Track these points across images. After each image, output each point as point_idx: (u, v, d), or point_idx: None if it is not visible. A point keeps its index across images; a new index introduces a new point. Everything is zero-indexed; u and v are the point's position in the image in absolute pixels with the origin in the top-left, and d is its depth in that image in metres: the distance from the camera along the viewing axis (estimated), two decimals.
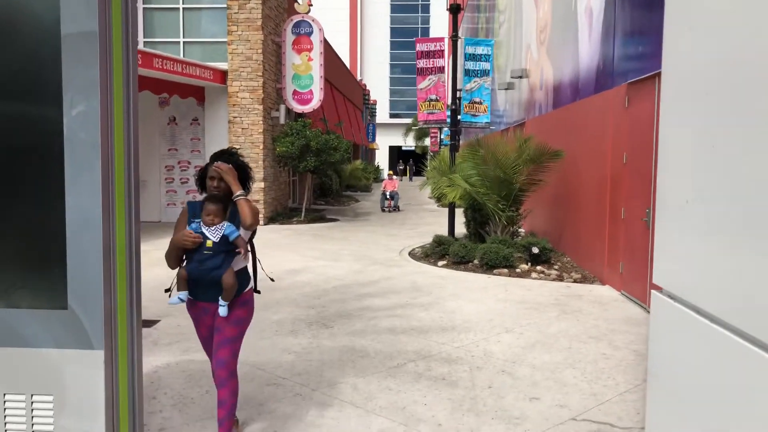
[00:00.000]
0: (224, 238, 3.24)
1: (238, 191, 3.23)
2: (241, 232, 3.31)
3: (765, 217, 1.10)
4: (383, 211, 19.22)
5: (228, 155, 3.42)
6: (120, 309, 2.78)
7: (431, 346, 5.34)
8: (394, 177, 21.91)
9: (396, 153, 59.88)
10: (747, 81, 1.17)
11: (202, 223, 3.25)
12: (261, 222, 14.46)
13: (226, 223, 3.26)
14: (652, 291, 1.55)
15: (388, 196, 19.60)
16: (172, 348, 5.35)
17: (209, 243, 3.21)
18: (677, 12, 1.50)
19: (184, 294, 3.33)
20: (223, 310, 3.29)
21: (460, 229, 11.64)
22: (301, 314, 6.43)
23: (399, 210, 19.63)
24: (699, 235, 1.32)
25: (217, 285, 3.27)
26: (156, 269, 8.91)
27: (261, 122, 14.48)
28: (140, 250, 2.89)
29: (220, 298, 3.28)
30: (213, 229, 3.24)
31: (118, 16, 2.75)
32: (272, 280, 4.51)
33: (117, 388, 2.68)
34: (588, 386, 4.41)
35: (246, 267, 3.52)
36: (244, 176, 3.42)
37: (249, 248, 3.46)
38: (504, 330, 5.86)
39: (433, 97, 11.36)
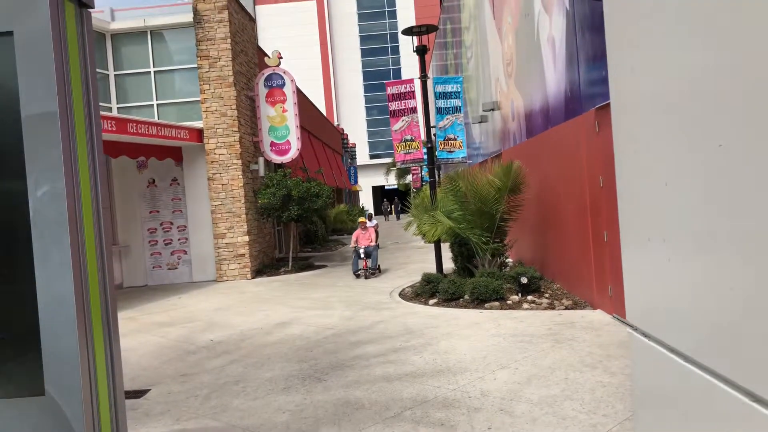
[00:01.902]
0: None
1: None
2: None
3: (724, 252, 1.09)
4: (357, 276, 13.30)
5: None
6: (101, 388, 2.70)
7: (427, 391, 5.26)
8: (370, 224, 15.59)
9: (380, 192, 60.18)
10: (690, 120, 1.18)
11: None
12: (248, 276, 14.36)
13: None
14: (628, 330, 1.53)
15: (362, 255, 13.32)
16: (164, 418, 5.21)
17: None
18: (619, 54, 1.53)
19: None
20: None
21: (449, 264, 11.62)
22: (293, 369, 6.32)
23: (380, 272, 13.71)
24: (663, 273, 1.31)
25: None
26: (145, 335, 8.78)
27: (240, 176, 14.50)
28: (117, 324, 2.83)
29: None
30: None
31: (78, 94, 2.75)
32: None
33: None
34: (587, 417, 4.34)
35: None
36: None
37: None
38: (499, 366, 5.78)
39: (408, 137, 11.47)
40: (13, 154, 2.58)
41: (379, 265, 13.77)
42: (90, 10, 2.79)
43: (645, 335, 1.43)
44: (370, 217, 18.35)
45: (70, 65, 2.74)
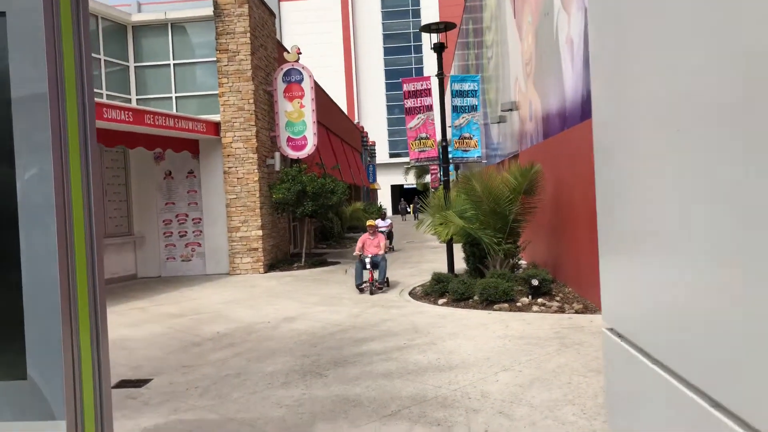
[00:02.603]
0: None
1: None
2: None
3: (690, 256, 1.03)
4: (360, 291, 10.94)
5: None
6: (85, 375, 2.67)
7: (427, 390, 5.18)
8: (382, 224, 16.28)
9: (398, 191, 60.14)
10: (663, 131, 1.12)
11: None
12: (261, 270, 14.39)
13: None
14: (603, 329, 1.47)
15: (368, 266, 10.92)
16: (162, 408, 5.20)
17: None
18: (600, 65, 1.47)
19: None
20: None
21: (462, 264, 11.52)
22: (295, 364, 6.29)
23: (388, 286, 11.38)
24: (634, 275, 1.25)
25: None
26: (153, 326, 8.82)
27: (256, 171, 14.53)
28: (106, 312, 2.79)
29: None
30: None
31: (71, 78, 2.72)
32: None
33: None
34: (588, 423, 4.24)
35: None
36: None
37: None
38: (502, 368, 5.69)
39: (423, 135, 11.39)
40: (3, 137, 2.57)
41: (387, 278, 11.35)
42: None
43: (618, 335, 1.36)
44: (383, 216, 17.73)
45: (63, 47, 2.71)
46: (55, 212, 2.58)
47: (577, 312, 8.11)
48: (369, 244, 11.39)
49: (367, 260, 10.94)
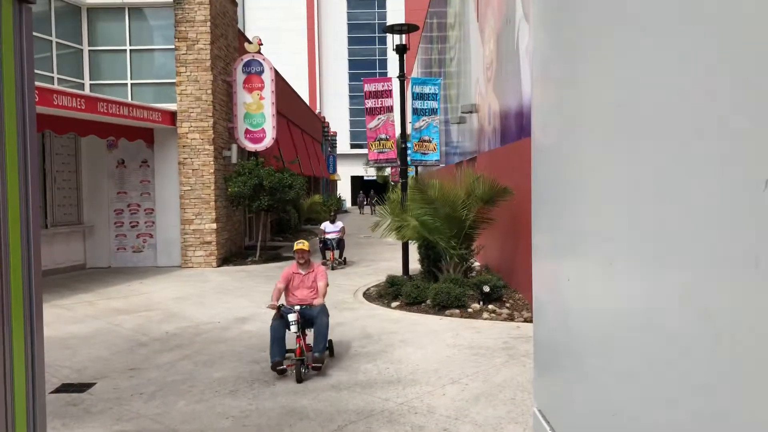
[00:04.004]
0: None
1: None
2: None
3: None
4: (280, 373, 5.96)
5: None
6: (17, 383, 2.57)
7: (375, 403, 5.22)
8: (331, 233, 14.03)
9: (359, 183, 60.00)
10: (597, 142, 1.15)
11: None
12: (214, 264, 14.20)
13: None
14: (534, 410, 1.49)
15: (292, 326, 6.01)
16: (104, 417, 5.09)
17: None
18: (540, 67, 1.49)
19: None
20: None
21: (417, 264, 11.59)
22: (244, 371, 6.24)
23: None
24: (567, 365, 1.27)
25: None
26: (100, 322, 8.61)
27: (212, 162, 14.29)
28: (42, 315, 2.67)
29: None
30: None
31: (10, 67, 2.60)
32: None
33: None
34: None
35: None
36: None
37: None
38: (450, 381, 5.77)
39: (383, 136, 11.39)
40: None
41: (331, 341, 6.85)
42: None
43: (545, 419, 1.38)
44: (333, 217, 14.75)
45: (2, 30, 2.57)
46: None
47: (525, 320, 8.26)
48: (298, 285, 6.57)
49: (292, 317, 6.02)
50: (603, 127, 1.18)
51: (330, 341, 6.53)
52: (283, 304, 6.36)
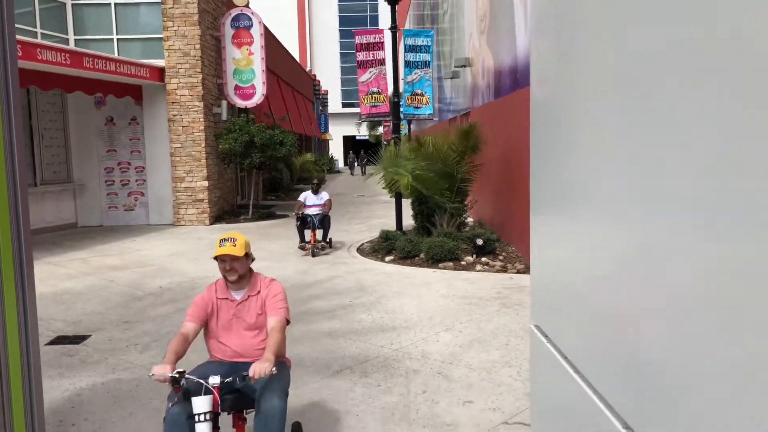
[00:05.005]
0: None
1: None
2: None
3: (617, 261, 1.03)
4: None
5: None
6: (9, 330, 2.56)
7: (369, 350, 5.26)
8: (312, 207, 10.18)
9: (350, 143, 59.63)
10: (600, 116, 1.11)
11: None
12: (206, 222, 14.16)
13: None
14: (531, 326, 1.48)
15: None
16: (100, 366, 5.12)
17: None
18: (540, 20, 1.44)
19: None
20: None
21: (411, 221, 11.59)
22: None
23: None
24: (563, 278, 1.25)
25: None
26: (94, 278, 8.60)
27: (202, 119, 14.11)
28: (33, 273, 2.66)
29: None
30: None
31: None
32: None
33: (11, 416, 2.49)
34: (522, 385, 4.39)
35: None
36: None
37: None
38: (443, 328, 5.81)
39: (375, 90, 11.24)
40: None
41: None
42: None
43: (544, 335, 1.38)
44: (316, 187, 10.55)
45: None
46: None
47: (518, 272, 8.32)
48: (229, 323, 6.89)
49: (202, 402, 3.22)
50: (603, 77, 1.13)
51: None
52: (183, 373, 3.05)
